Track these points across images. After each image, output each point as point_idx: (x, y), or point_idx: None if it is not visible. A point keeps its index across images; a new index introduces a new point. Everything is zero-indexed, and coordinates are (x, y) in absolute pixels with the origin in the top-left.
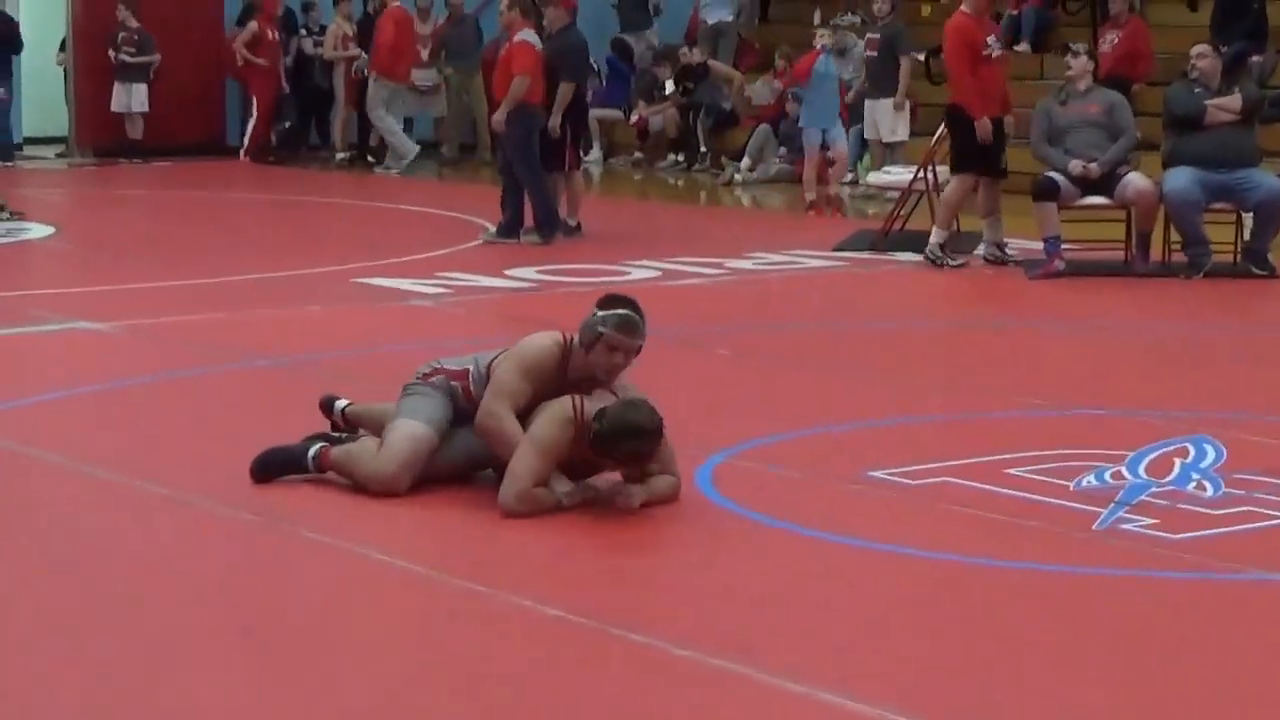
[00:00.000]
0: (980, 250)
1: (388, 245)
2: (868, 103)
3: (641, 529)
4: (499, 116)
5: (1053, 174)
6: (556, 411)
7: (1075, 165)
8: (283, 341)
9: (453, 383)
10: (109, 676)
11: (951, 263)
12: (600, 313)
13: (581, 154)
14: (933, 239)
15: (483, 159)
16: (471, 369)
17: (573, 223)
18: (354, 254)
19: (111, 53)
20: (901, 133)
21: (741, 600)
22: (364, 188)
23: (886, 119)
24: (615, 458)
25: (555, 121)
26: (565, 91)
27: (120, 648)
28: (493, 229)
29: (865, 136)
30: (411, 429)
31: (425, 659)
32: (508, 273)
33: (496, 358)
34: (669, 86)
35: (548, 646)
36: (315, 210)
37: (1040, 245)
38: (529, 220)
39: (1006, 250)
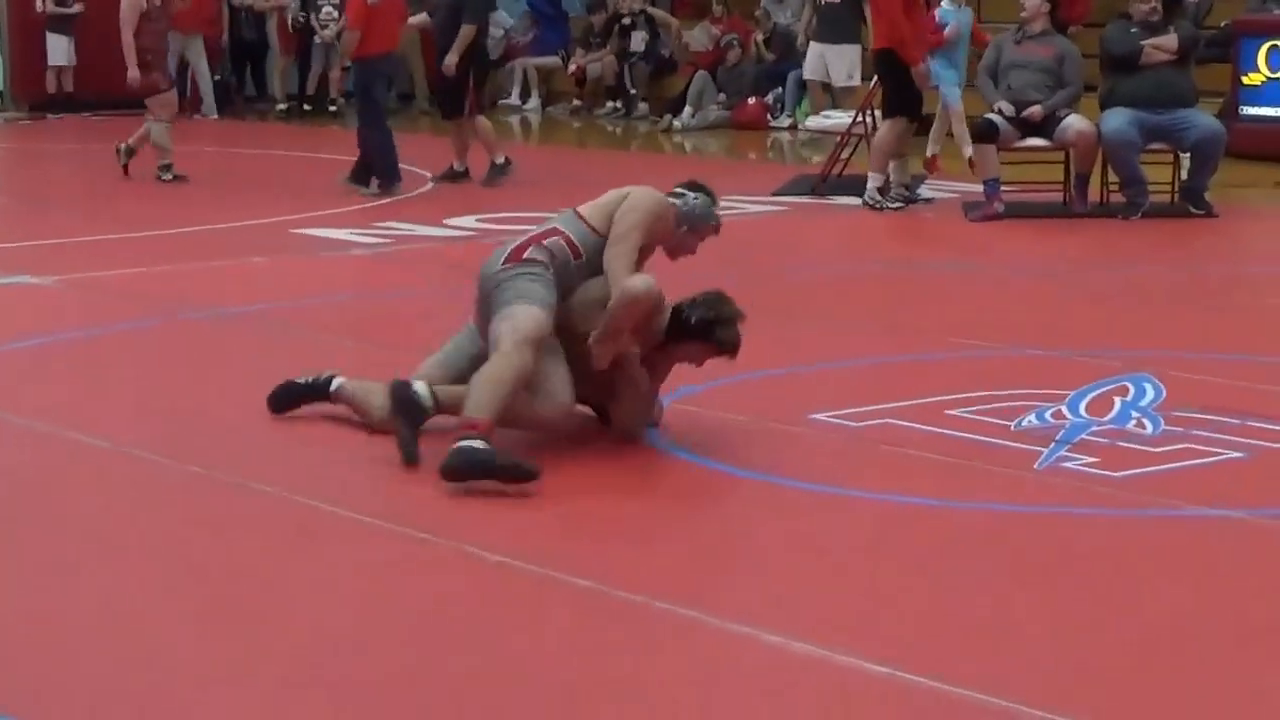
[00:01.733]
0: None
1: (326, 196)
2: (818, 47)
3: (585, 475)
4: (334, 73)
5: (992, 116)
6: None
7: (1005, 107)
8: (224, 293)
9: (549, 241)
10: (55, 630)
11: (891, 206)
12: (714, 207)
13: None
14: (870, 184)
15: (420, 108)
16: (561, 224)
17: (459, 168)
18: (293, 205)
19: (39, 3)
20: (857, 78)
21: (687, 544)
22: (302, 138)
23: (843, 64)
24: (714, 343)
25: (452, 60)
26: (466, 33)
27: (66, 603)
28: (431, 176)
29: (808, 79)
30: (532, 311)
31: (370, 607)
32: (447, 222)
33: (601, 208)
34: (636, 40)
35: (493, 593)
36: (254, 161)
37: (980, 187)
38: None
39: (916, 190)
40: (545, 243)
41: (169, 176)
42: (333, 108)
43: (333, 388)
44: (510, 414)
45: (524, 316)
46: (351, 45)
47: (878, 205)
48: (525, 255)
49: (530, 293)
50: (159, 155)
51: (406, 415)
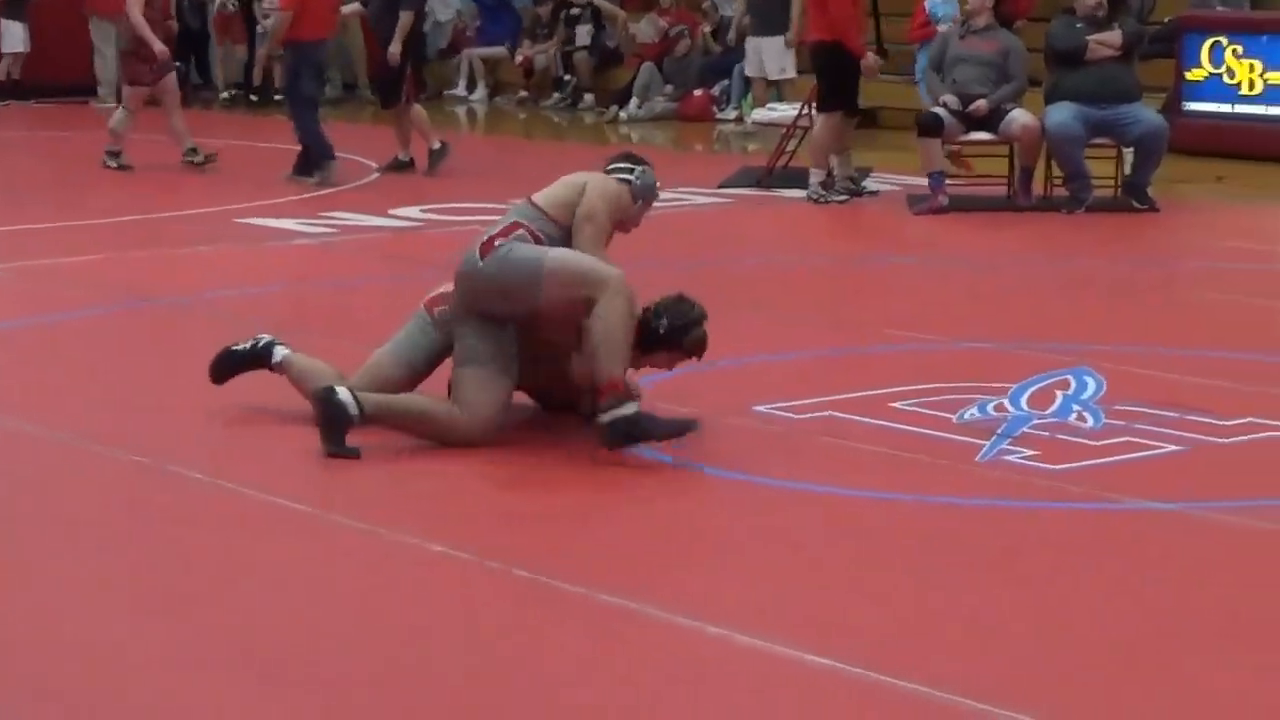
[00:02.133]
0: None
1: (270, 185)
2: (753, 40)
3: (527, 468)
4: (261, 52)
5: (937, 109)
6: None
7: (950, 100)
8: (169, 282)
9: (514, 234)
10: (7, 625)
11: (835, 199)
12: (653, 180)
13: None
14: (812, 179)
15: (364, 97)
16: (521, 218)
17: (404, 158)
18: (238, 194)
19: None
20: (790, 70)
21: (631, 536)
22: (246, 127)
23: (775, 56)
24: (684, 349)
25: (396, 50)
26: (405, 21)
27: (17, 596)
28: (377, 166)
29: (748, 74)
30: (563, 253)
31: (315, 598)
32: (392, 212)
33: (556, 196)
34: (581, 33)
35: (434, 583)
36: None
37: (924, 181)
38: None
39: (862, 183)
40: (511, 236)
41: (114, 164)
42: (278, 96)
43: (276, 359)
44: (427, 425)
45: (562, 259)
46: (282, 28)
47: (821, 200)
48: (497, 244)
49: (537, 251)
50: (111, 140)
51: (330, 426)
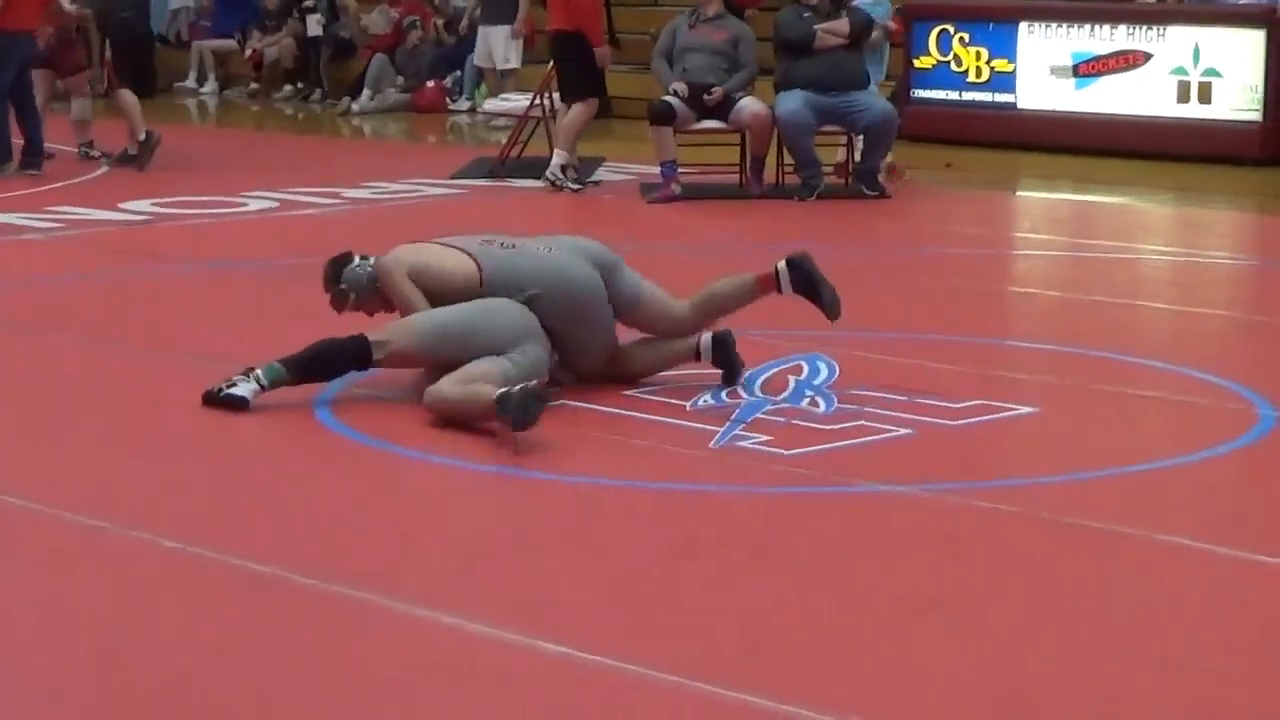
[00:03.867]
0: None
1: None
2: (483, 29)
3: (256, 460)
4: None
5: (668, 98)
6: None
7: (680, 89)
8: None
9: None
10: None
11: (571, 187)
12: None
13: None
14: (555, 161)
15: (95, 90)
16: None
17: (134, 151)
18: None
19: None
20: (515, 60)
21: (362, 526)
22: None
23: (501, 46)
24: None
25: (70, 16)
26: None
27: None
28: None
29: (477, 64)
30: None
31: (45, 597)
32: (121, 206)
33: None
34: (312, 24)
35: (167, 580)
36: None
37: (657, 169)
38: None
39: (587, 175)
40: None
41: (93, 154)
42: None
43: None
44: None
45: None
46: None
47: (559, 184)
48: None
49: None
50: (79, 133)
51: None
